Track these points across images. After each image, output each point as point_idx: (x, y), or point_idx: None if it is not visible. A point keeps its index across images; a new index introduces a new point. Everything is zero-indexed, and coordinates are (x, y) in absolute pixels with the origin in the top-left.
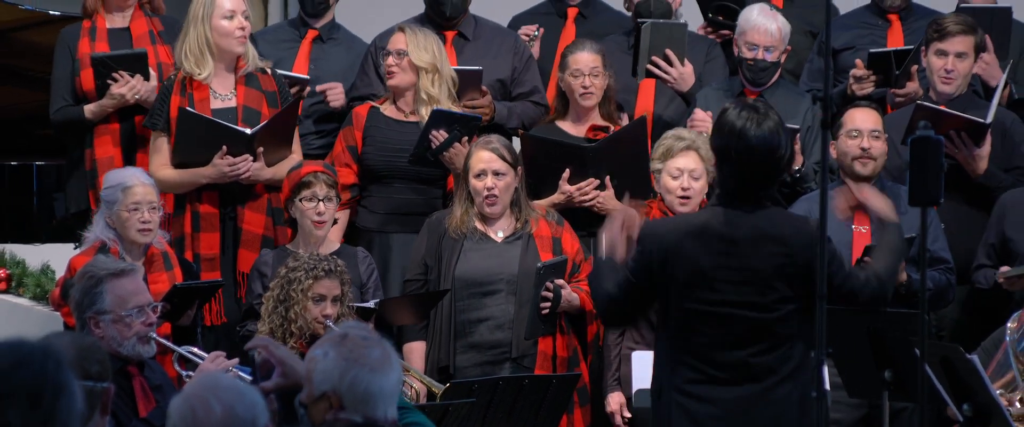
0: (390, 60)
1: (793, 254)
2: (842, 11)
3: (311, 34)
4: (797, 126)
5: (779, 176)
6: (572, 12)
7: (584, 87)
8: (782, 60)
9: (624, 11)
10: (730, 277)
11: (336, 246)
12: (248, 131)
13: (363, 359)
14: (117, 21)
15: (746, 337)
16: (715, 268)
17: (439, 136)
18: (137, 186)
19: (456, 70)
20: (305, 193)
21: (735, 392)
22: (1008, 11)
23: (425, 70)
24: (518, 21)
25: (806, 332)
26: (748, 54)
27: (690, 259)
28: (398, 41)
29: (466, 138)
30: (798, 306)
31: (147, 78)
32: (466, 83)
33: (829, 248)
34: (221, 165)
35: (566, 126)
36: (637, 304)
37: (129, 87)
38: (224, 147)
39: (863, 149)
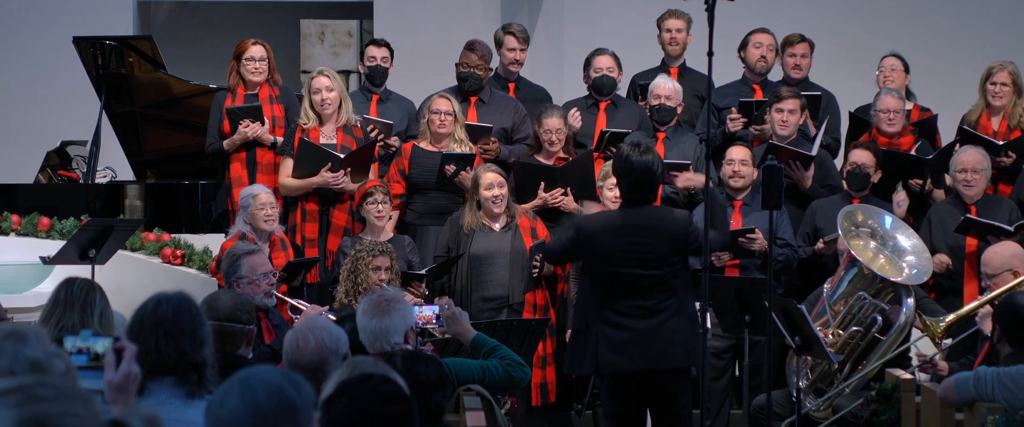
0: (443, 117)
1: (674, 236)
2: (720, 81)
3: (375, 98)
4: (689, 162)
5: (656, 188)
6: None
7: (550, 142)
8: (679, 110)
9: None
10: (634, 255)
11: (391, 235)
12: (342, 156)
13: (374, 310)
14: (250, 90)
15: (647, 291)
16: (622, 249)
17: (449, 169)
18: (261, 193)
19: (477, 125)
20: (369, 199)
21: (641, 324)
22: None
23: (458, 123)
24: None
25: (686, 283)
26: (654, 102)
27: (606, 244)
28: (449, 107)
29: (468, 167)
30: (680, 267)
31: (263, 123)
32: (482, 132)
33: (695, 226)
34: (326, 175)
35: (541, 158)
36: (567, 260)
37: (251, 129)
38: (329, 164)
39: (734, 172)
